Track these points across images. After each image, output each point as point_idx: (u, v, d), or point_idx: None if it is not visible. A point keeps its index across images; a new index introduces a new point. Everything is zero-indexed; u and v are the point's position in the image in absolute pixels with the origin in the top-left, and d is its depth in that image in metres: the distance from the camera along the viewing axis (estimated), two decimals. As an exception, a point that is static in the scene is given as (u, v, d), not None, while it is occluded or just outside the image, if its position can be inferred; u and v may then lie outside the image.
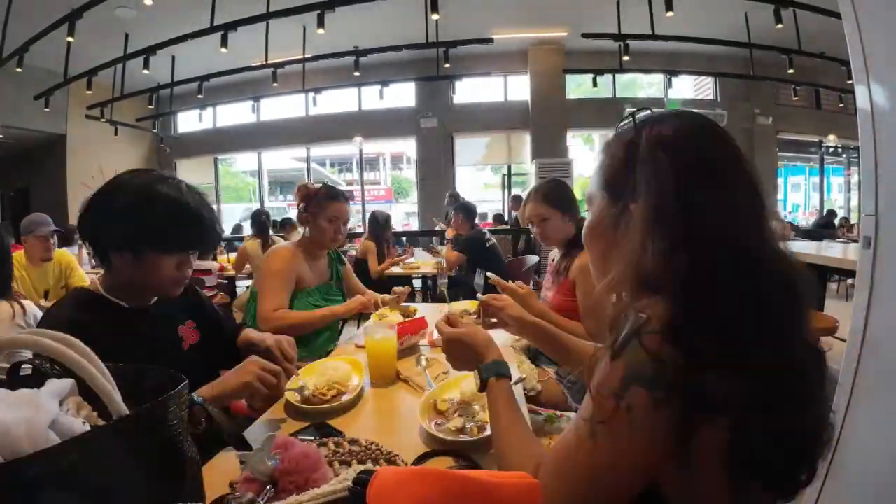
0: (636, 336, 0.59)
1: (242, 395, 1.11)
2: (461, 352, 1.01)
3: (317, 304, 2.02)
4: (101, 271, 1.18)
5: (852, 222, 9.21)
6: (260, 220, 5.08)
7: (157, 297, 1.23)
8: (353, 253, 5.30)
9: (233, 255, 5.32)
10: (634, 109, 0.73)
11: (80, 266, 3.18)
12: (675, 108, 0.72)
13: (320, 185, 2.11)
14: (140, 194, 1.07)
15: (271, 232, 5.15)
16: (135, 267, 1.08)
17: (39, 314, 1.98)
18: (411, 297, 2.46)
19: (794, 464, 0.62)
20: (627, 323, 0.61)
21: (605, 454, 0.60)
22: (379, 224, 5.00)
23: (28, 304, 1.97)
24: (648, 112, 0.73)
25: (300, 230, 2.20)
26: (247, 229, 8.26)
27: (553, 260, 2.16)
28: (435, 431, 1.04)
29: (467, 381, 1.27)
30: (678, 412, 0.56)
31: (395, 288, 2.27)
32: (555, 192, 2.02)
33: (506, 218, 8.40)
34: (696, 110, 0.75)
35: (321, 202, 2.03)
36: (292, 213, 10.47)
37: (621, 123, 0.75)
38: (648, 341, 0.58)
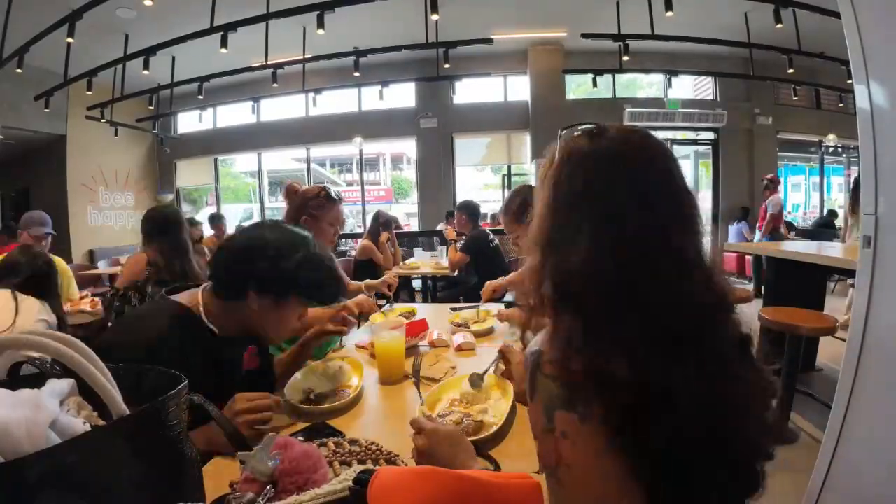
0: (538, 370, 0.61)
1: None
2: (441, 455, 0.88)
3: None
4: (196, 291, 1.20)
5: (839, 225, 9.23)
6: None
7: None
8: (353, 254, 5.31)
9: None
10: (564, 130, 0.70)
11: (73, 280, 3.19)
12: (591, 126, 0.69)
13: (320, 187, 2.07)
14: (303, 249, 1.16)
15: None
16: (269, 310, 1.15)
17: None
18: (411, 297, 2.47)
19: (711, 470, 0.55)
20: (527, 361, 0.63)
21: (580, 490, 0.57)
22: (377, 223, 5.02)
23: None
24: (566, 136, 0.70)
25: None
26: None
27: None
28: None
29: (466, 382, 1.28)
30: (604, 420, 0.54)
31: (386, 275, 2.29)
32: (521, 206, 2.05)
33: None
34: (619, 125, 0.69)
35: (323, 204, 2.00)
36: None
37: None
38: (549, 369, 0.59)
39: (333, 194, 2.06)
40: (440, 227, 7.78)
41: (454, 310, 2.32)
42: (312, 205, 2.00)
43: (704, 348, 0.56)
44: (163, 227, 2.52)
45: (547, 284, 0.62)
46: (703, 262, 0.62)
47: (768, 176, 7.27)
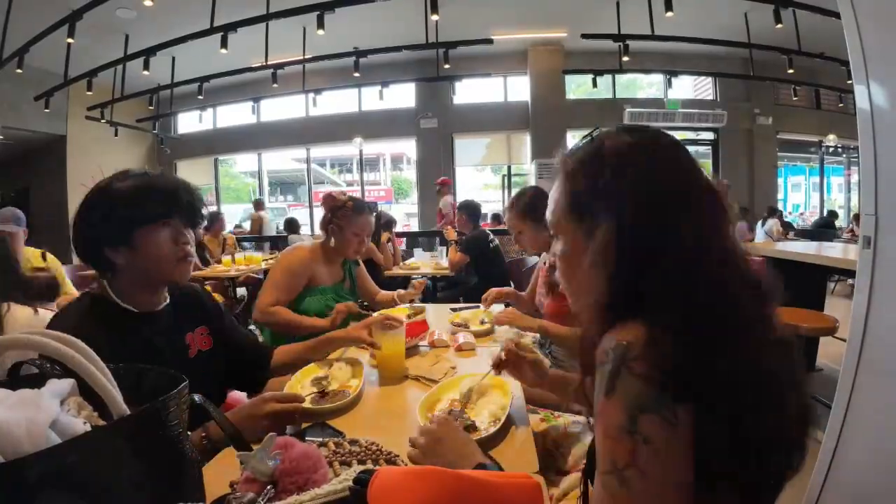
0: (624, 366, 0.58)
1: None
2: (443, 452, 0.88)
3: (328, 303, 2.05)
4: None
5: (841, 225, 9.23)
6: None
7: (167, 302, 1.22)
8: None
9: (240, 256, 5.32)
10: (592, 130, 0.75)
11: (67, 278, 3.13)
12: (626, 125, 0.72)
13: (347, 197, 2.16)
14: (106, 188, 1.10)
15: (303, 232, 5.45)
16: (134, 256, 1.09)
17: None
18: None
19: (764, 468, 0.59)
20: (609, 356, 0.60)
21: (646, 497, 0.56)
22: (378, 223, 5.05)
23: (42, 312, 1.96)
24: (601, 131, 0.72)
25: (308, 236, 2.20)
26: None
27: (545, 264, 2.17)
28: None
29: (465, 382, 1.28)
30: (690, 426, 0.55)
31: (414, 280, 2.30)
32: (529, 204, 2.05)
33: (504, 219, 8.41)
34: (649, 125, 0.74)
35: (349, 215, 2.07)
36: (293, 214, 10.49)
37: (575, 145, 0.74)
38: (638, 367, 0.57)
39: (361, 205, 2.12)
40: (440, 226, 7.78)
41: (454, 310, 2.32)
42: (339, 214, 2.07)
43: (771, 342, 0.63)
44: None
45: (638, 283, 0.62)
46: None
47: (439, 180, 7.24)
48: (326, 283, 2.09)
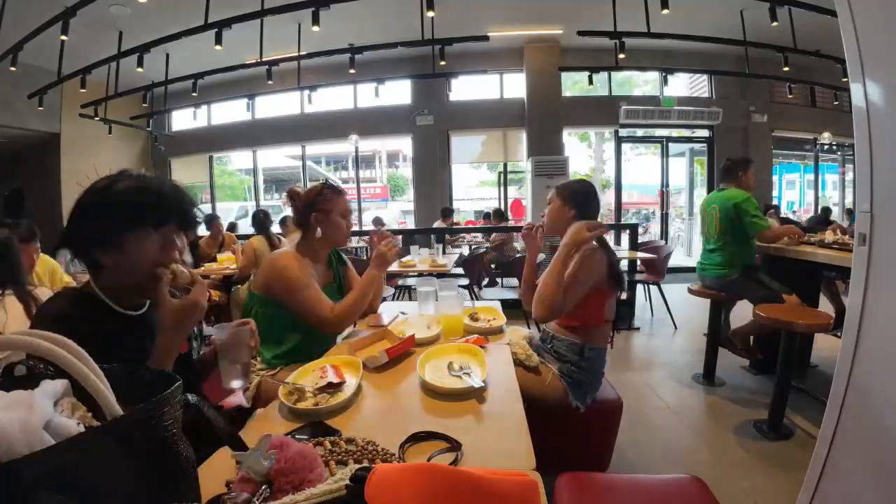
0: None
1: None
2: None
3: None
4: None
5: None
6: (260, 219, 5.15)
7: (148, 303, 1.20)
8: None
9: (230, 255, 5.29)
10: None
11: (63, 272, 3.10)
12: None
13: (319, 183, 2.05)
14: (103, 188, 1.09)
15: (273, 230, 5.20)
16: (122, 259, 1.08)
17: None
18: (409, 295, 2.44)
19: None
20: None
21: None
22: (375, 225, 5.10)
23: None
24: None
25: (296, 234, 2.09)
26: (243, 228, 8.27)
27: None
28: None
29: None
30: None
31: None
32: (575, 190, 2.06)
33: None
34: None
35: (330, 198, 1.97)
36: (288, 212, 10.44)
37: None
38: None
39: (338, 186, 2.04)
40: (436, 224, 7.78)
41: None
42: (320, 201, 1.96)
43: None
44: None
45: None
46: None
47: None
48: (321, 285, 1.94)
